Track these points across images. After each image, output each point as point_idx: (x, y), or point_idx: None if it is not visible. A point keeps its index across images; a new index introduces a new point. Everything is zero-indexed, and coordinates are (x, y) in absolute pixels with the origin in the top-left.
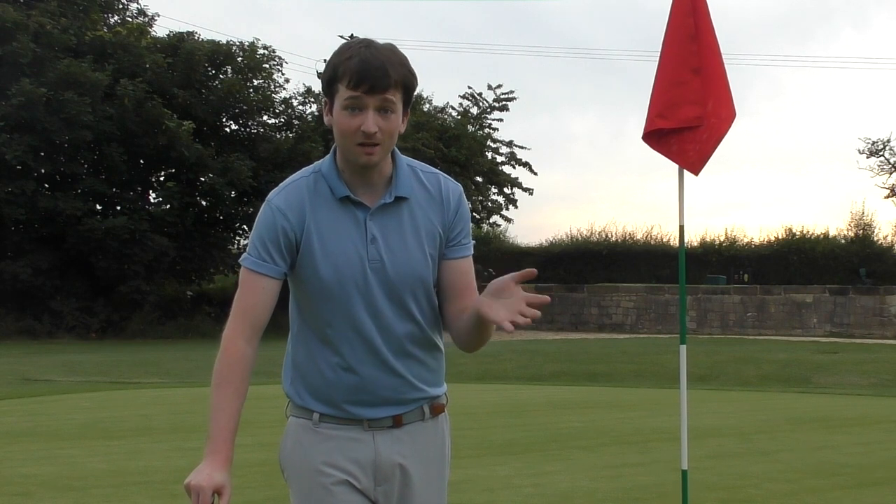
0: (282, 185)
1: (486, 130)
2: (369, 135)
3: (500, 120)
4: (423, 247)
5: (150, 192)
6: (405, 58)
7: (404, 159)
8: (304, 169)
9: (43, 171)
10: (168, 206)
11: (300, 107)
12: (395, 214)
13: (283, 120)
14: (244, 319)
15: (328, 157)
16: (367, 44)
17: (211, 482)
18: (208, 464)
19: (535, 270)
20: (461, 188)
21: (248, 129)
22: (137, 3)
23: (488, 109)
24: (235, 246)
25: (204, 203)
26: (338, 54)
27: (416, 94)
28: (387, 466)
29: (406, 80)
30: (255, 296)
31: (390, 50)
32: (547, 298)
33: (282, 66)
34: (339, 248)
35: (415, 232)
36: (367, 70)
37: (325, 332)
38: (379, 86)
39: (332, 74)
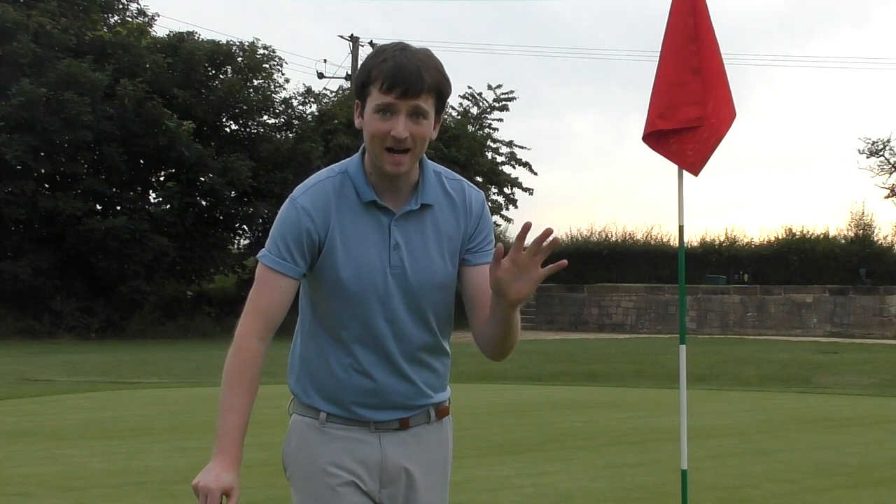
0: (307, 183)
1: (486, 130)
2: (399, 140)
3: (500, 120)
4: (444, 255)
5: (150, 192)
6: (440, 63)
7: (431, 165)
8: (329, 168)
9: (43, 171)
10: (168, 206)
11: (300, 107)
12: (420, 221)
13: (283, 120)
14: (258, 318)
15: (356, 157)
16: (403, 47)
17: (219, 484)
18: (217, 463)
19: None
20: (483, 196)
21: (248, 129)
22: (137, 3)
23: (488, 109)
24: (235, 246)
25: (204, 203)
26: (372, 57)
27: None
28: (392, 469)
29: (440, 85)
30: (272, 294)
31: (426, 55)
32: (555, 237)
33: (282, 67)
34: (361, 253)
35: (437, 240)
36: (402, 74)
37: (340, 334)
38: (412, 90)
39: (366, 77)
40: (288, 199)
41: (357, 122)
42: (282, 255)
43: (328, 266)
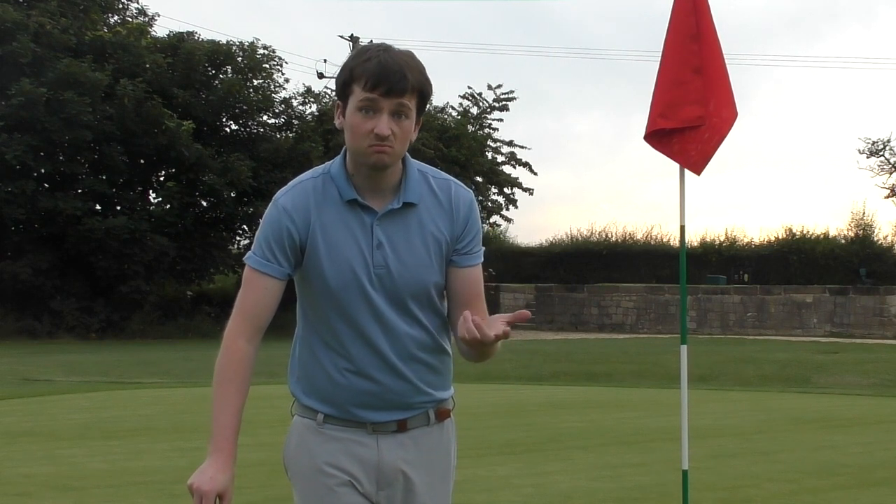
0: (289, 184)
1: (486, 130)
2: (382, 137)
3: (500, 120)
4: (430, 253)
5: (150, 192)
6: (422, 65)
7: (415, 164)
8: (313, 169)
9: (43, 171)
10: (168, 206)
11: (300, 107)
12: (403, 220)
13: (283, 120)
14: (245, 318)
15: (338, 158)
16: (386, 48)
17: (213, 486)
18: (211, 464)
19: (527, 313)
20: (472, 196)
21: (248, 129)
22: (137, 3)
23: (488, 109)
24: (235, 246)
25: (204, 203)
26: (355, 57)
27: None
28: (389, 471)
29: (422, 86)
30: (258, 295)
31: (409, 55)
32: (527, 313)
33: (282, 66)
34: (344, 252)
35: (422, 238)
36: (386, 73)
37: (331, 336)
38: (396, 89)
39: (348, 76)
40: (272, 201)
41: (338, 122)
42: (265, 255)
43: (312, 266)
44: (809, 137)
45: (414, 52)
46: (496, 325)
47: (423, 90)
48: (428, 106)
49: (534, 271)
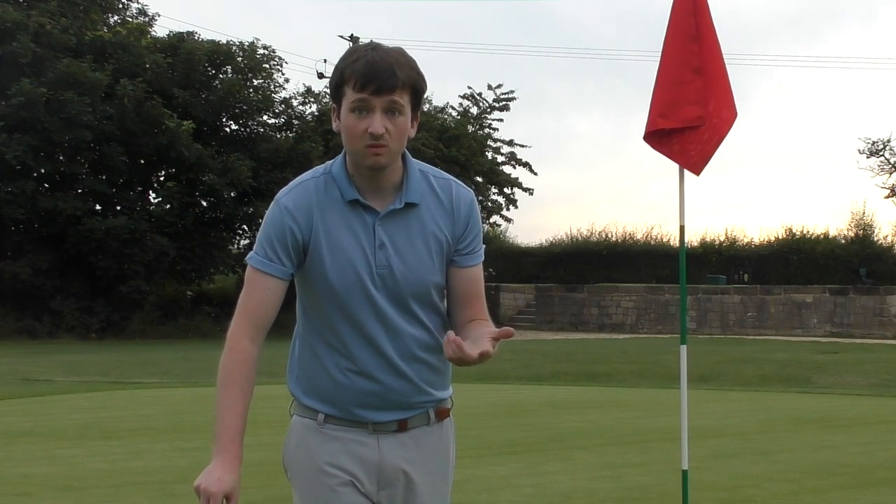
0: (291, 184)
1: (486, 130)
2: (376, 136)
3: (500, 120)
4: (431, 253)
5: (150, 192)
6: (413, 60)
7: (416, 164)
8: (314, 168)
9: (43, 171)
10: (168, 206)
11: (300, 107)
12: (405, 220)
13: (283, 120)
14: (248, 319)
15: (338, 158)
16: (374, 46)
17: (220, 487)
18: (218, 465)
19: (512, 330)
20: (473, 195)
21: (248, 129)
22: (137, 3)
23: (488, 109)
24: (236, 246)
25: (204, 203)
26: (344, 58)
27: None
28: (390, 471)
29: (414, 81)
30: (261, 295)
31: (398, 52)
32: (511, 330)
33: (282, 66)
34: (347, 253)
35: (424, 238)
36: (374, 71)
37: (333, 336)
38: (386, 86)
39: (339, 78)
40: (273, 200)
41: (335, 125)
42: (268, 255)
43: (315, 266)
44: (809, 137)
45: (414, 52)
46: (481, 342)
47: (415, 85)
48: (428, 106)
49: (534, 271)
